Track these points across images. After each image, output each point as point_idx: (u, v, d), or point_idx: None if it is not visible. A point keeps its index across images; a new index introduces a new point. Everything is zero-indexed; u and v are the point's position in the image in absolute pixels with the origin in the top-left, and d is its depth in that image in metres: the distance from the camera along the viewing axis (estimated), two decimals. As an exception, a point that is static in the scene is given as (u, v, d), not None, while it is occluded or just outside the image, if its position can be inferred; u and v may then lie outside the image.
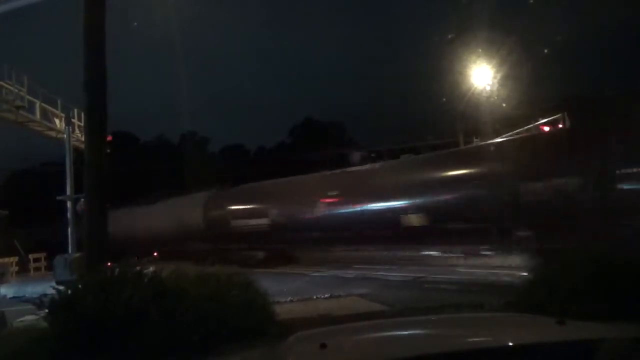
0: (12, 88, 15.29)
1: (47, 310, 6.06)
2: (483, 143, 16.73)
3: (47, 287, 8.10)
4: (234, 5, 72.66)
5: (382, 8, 68.92)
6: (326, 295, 10.50)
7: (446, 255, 15.49)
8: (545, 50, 19.94)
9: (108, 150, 9.39)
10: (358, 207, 15.93)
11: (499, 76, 18.52)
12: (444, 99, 22.45)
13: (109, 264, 7.19)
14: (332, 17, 73.57)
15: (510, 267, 11.98)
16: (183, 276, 6.78)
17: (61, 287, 6.22)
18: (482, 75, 19.32)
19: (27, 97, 15.99)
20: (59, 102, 17.86)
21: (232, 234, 19.93)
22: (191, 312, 5.78)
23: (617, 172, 10.80)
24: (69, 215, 17.16)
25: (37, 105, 16.70)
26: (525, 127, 15.29)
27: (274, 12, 78.85)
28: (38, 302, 6.51)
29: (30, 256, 23.31)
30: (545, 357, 1.63)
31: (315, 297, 10.44)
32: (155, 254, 21.80)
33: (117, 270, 6.34)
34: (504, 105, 18.85)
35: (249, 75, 70.93)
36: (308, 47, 77.68)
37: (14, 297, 13.66)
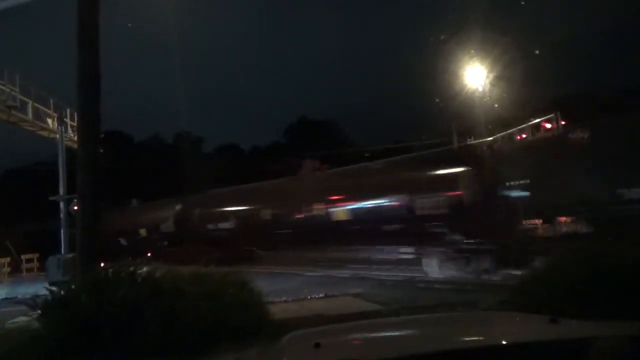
0: (4, 88, 15.16)
1: (39, 311, 6.02)
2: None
3: (39, 288, 8.04)
4: (230, 5, 72.50)
5: (377, 8, 69.09)
6: (321, 295, 10.50)
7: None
8: (537, 52, 20.07)
9: (101, 150, 9.34)
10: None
11: (493, 76, 18.59)
12: (437, 99, 22.51)
13: (102, 264, 7.16)
14: (327, 18, 73.65)
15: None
16: (178, 276, 6.76)
17: (54, 288, 6.18)
18: (476, 75, 19.38)
19: (20, 96, 15.86)
20: (51, 101, 17.73)
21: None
22: (187, 311, 5.77)
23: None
24: (61, 215, 17.04)
25: (30, 105, 16.56)
26: (519, 127, 15.38)
27: (269, 12, 78.83)
28: (31, 303, 6.45)
29: (23, 257, 23.11)
30: (538, 356, 1.64)
31: (309, 296, 10.44)
32: (148, 254, 21.72)
33: (110, 270, 6.31)
34: (496, 105, 18.92)
35: (244, 74, 70.95)
36: (303, 47, 77.73)
37: (6, 299, 13.56)
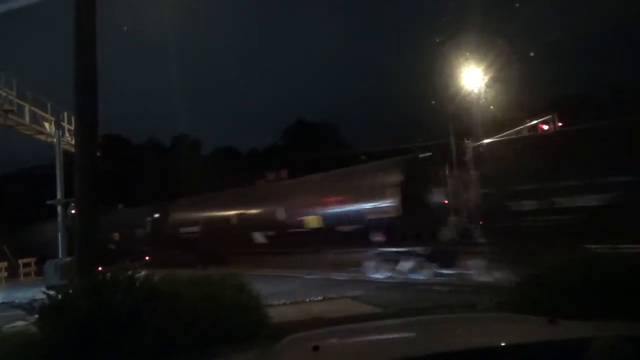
0: (0, 91, 15.13)
1: (37, 316, 6.00)
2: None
3: (37, 292, 7.99)
4: (227, 7, 72.65)
5: (377, 9, 69.33)
6: (319, 298, 10.50)
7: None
8: (531, 54, 20.14)
9: (99, 154, 9.32)
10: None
11: (493, 78, 18.60)
12: (434, 102, 22.53)
13: (100, 268, 7.13)
14: (326, 19, 73.82)
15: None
16: (177, 279, 6.74)
17: (51, 292, 6.15)
18: (474, 77, 19.39)
19: (17, 100, 15.83)
20: (48, 105, 17.70)
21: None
22: (185, 314, 5.76)
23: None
24: (59, 219, 16.99)
25: (27, 108, 16.52)
26: (516, 129, 15.42)
27: (268, 14, 78.97)
28: (28, 308, 6.42)
29: (20, 261, 23.06)
30: (537, 357, 1.64)
31: (308, 299, 10.43)
32: (146, 258, 21.68)
33: (108, 273, 6.29)
34: (491, 107, 18.95)
35: (242, 76, 71.03)
36: (302, 48, 77.87)
37: (3, 303, 13.49)
